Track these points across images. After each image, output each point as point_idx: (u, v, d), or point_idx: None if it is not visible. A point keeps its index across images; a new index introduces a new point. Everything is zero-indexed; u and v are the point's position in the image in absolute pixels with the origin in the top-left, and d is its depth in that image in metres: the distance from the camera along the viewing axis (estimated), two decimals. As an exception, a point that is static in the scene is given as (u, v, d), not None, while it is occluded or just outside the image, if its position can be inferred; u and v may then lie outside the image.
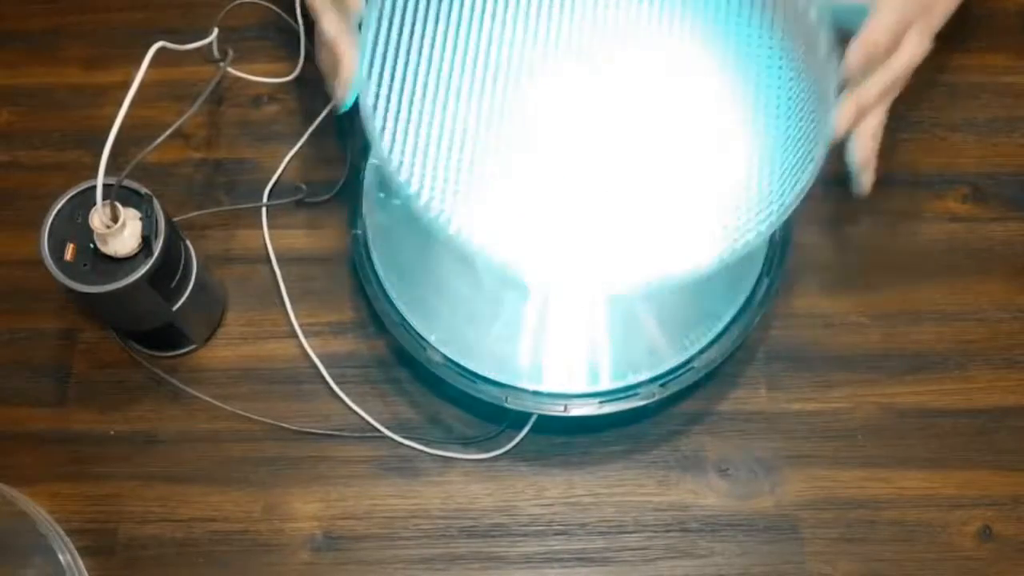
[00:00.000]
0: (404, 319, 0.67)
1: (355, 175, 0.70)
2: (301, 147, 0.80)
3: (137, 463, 0.73)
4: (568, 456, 0.73)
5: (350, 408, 0.73)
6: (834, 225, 0.79)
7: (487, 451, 0.73)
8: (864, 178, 0.69)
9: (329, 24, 0.65)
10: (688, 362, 0.67)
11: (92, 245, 0.63)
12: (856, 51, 0.65)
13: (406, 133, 0.60)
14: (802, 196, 0.58)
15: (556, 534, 0.71)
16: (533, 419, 0.72)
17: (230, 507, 0.72)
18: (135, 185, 0.64)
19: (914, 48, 0.68)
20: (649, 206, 0.61)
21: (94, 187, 0.61)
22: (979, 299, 0.76)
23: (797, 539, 0.71)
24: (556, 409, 0.66)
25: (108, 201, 0.61)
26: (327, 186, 0.79)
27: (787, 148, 0.61)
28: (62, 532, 0.70)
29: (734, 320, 0.69)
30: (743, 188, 0.60)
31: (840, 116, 0.64)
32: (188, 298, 0.69)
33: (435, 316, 0.68)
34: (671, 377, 0.67)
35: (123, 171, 0.61)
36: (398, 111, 0.61)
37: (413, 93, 0.62)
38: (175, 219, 0.68)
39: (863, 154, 0.68)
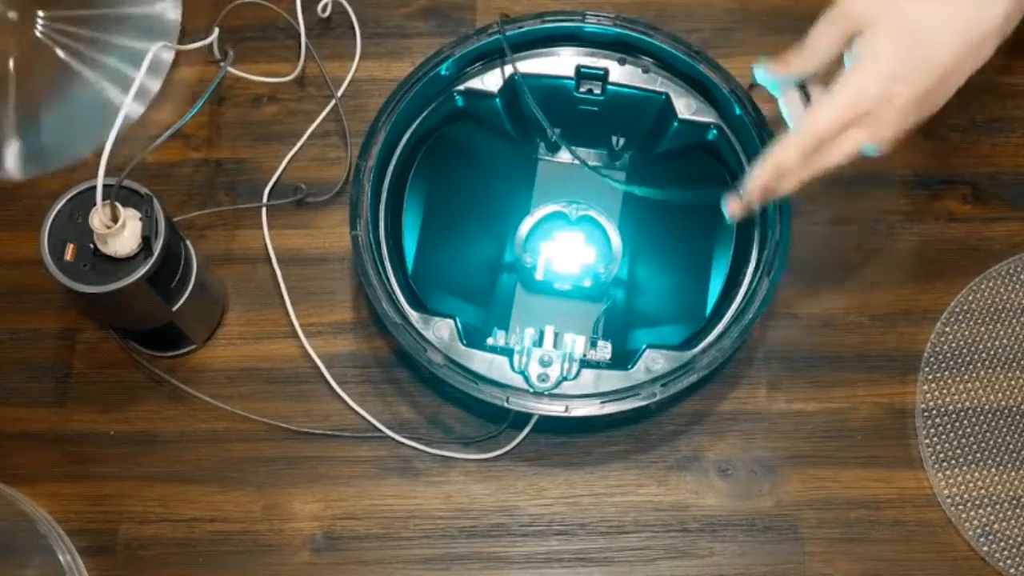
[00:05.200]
0: (405, 319, 0.67)
1: (355, 175, 0.70)
2: (301, 147, 0.80)
3: (137, 463, 0.73)
4: (568, 456, 0.73)
5: (350, 408, 0.73)
6: (834, 225, 0.79)
7: (487, 451, 0.73)
8: (733, 208, 0.65)
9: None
10: (688, 362, 0.67)
11: (92, 245, 0.63)
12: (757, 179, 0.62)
13: None
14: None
15: (556, 534, 0.71)
16: (534, 419, 0.72)
17: (230, 507, 0.72)
18: (135, 185, 0.64)
19: (853, 147, 0.61)
20: None
21: (94, 187, 0.61)
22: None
23: (797, 539, 0.71)
24: (557, 409, 0.66)
25: (108, 201, 0.61)
26: (327, 186, 0.79)
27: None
28: (62, 532, 0.70)
29: (734, 320, 0.68)
30: None
31: (753, 185, 0.63)
32: (188, 298, 0.69)
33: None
34: (671, 377, 0.67)
35: (123, 171, 0.61)
36: None
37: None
38: (175, 219, 0.68)
39: (752, 198, 0.64)
